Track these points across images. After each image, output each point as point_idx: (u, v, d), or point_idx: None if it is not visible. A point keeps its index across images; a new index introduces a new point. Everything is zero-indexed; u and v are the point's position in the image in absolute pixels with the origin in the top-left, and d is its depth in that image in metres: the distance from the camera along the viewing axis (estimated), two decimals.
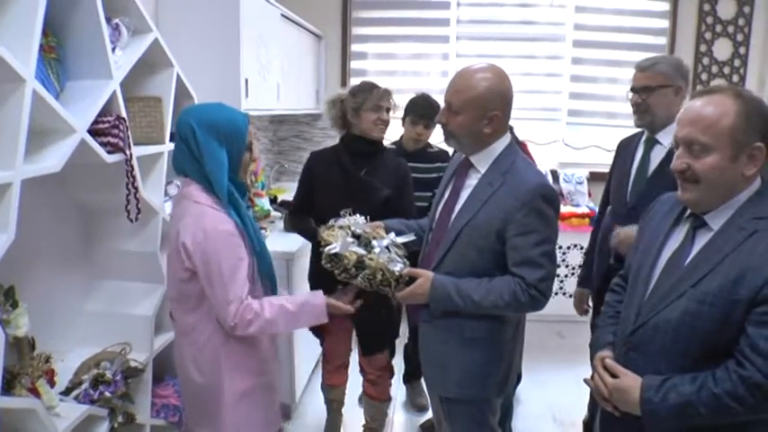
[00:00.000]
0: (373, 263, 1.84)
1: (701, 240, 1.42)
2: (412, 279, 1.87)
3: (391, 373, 2.90)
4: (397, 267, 1.86)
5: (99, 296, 2.35)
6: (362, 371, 2.86)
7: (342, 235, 1.93)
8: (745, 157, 1.34)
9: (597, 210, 2.83)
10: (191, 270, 1.77)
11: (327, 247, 1.89)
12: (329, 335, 2.77)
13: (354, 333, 2.79)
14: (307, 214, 2.65)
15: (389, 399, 2.92)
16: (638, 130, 2.51)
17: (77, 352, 2.18)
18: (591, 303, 2.75)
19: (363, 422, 2.98)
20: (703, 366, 1.34)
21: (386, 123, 2.56)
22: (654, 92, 2.31)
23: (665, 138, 2.33)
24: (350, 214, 2.05)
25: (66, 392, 1.97)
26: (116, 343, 2.23)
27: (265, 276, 1.95)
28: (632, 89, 2.40)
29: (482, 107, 1.79)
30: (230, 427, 1.87)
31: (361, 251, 1.88)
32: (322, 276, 2.14)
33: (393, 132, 3.19)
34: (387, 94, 2.56)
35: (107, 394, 1.99)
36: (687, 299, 1.36)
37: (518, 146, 1.97)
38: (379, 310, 2.48)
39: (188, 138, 1.79)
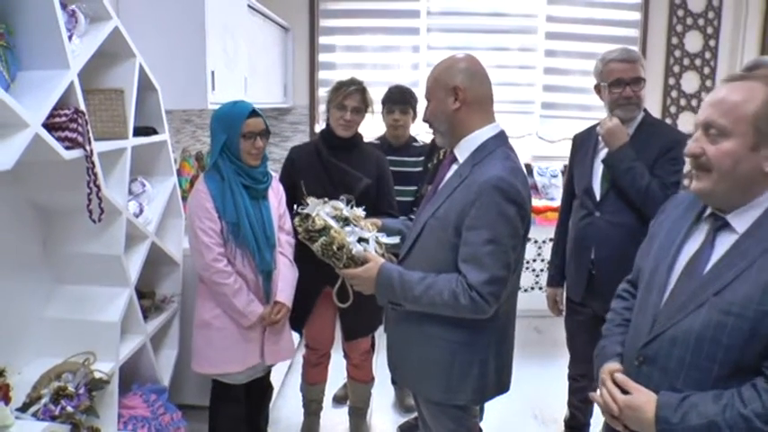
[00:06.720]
0: (336, 234, 1.80)
1: (724, 243, 1.29)
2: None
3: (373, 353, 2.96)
4: (357, 249, 1.80)
5: (60, 302, 2.22)
6: (346, 356, 2.89)
7: (322, 205, 1.92)
8: (767, 151, 1.22)
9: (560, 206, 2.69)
10: None
11: (301, 207, 1.92)
12: (313, 322, 2.73)
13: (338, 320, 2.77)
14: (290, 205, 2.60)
15: (373, 379, 2.98)
16: (594, 122, 2.43)
17: (36, 364, 2.07)
18: (565, 303, 2.64)
19: (348, 402, 3.05)
20: (725, 384, 1.22)
21: (350, 123, 2.56)
22: (643, 83, 2.26)
23: (630, 127, 2.30)
24: (351, 206, 1.99)
25: (24, 408, 1.85)
26: (79, 353, 2.12)
27: (244, 244, 2.26)
28: (621, 81, 2.26)
29: (441, 86, 1.75)
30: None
31: (333, 223, 1.84)
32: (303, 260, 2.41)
33: (376, 128, 3.14)
34: (355, 93, 2.54)
35: (69, 409, 1.88)
36: (709, 308, 1.24)
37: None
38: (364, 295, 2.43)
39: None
